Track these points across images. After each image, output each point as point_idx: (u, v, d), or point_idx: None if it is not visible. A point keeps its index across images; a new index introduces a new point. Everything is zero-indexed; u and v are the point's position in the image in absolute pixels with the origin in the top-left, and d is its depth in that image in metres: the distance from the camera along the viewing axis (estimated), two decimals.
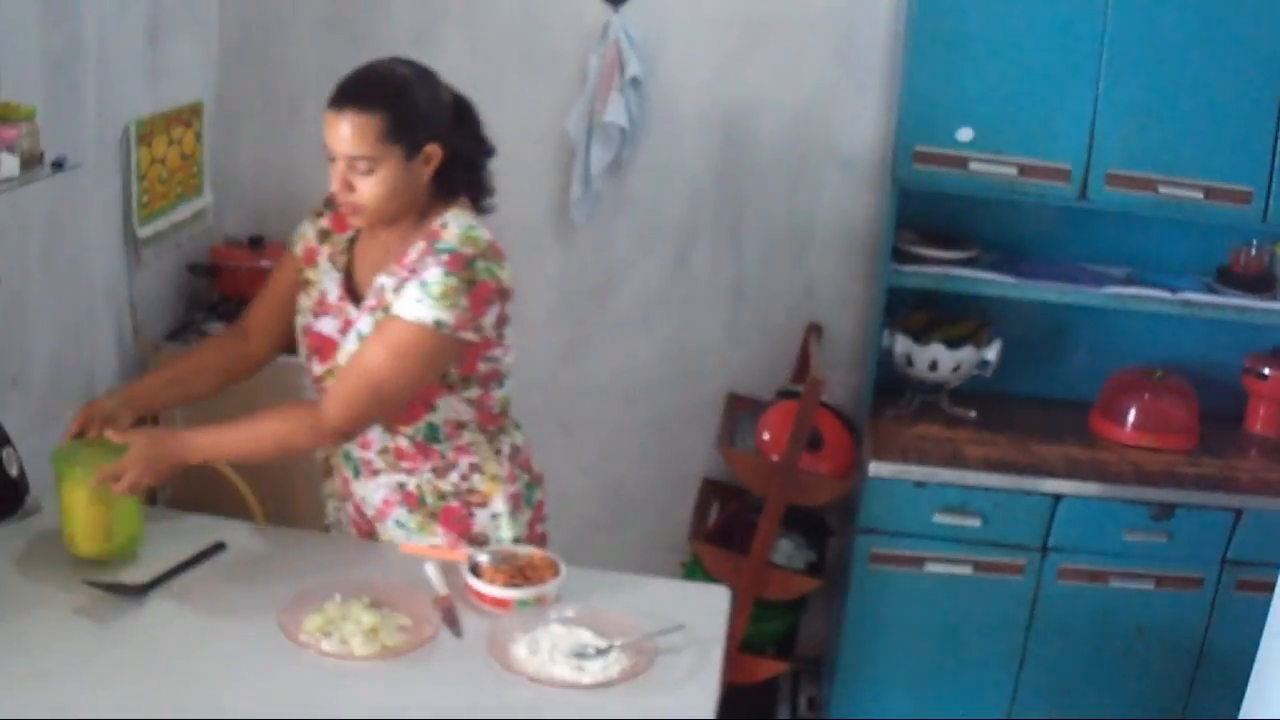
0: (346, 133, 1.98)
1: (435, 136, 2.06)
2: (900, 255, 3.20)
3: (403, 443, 2.16)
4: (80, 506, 1.99)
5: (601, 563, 2.19)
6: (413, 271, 2.05)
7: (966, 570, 3.04)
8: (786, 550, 3.30)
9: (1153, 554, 3.00)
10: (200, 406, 2.32)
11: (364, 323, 2.10)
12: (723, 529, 3.36)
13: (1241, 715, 2.00)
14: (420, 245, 2.08)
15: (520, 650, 1.87)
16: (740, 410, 3.43)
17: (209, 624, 1.90)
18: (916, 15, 3.03)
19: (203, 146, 3.29)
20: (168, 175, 3.10)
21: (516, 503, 2.26)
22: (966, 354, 3.22)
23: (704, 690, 1.85)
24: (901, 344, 3.23)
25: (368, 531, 2.27)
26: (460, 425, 2.17)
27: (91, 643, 1.82)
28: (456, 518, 2.21)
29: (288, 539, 2.21)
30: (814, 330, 3.46)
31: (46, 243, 2.60)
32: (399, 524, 2.22)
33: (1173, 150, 2.99)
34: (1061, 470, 3.03)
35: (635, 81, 3.27)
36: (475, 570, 2.03)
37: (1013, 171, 3.04)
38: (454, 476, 2.20)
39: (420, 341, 2.02)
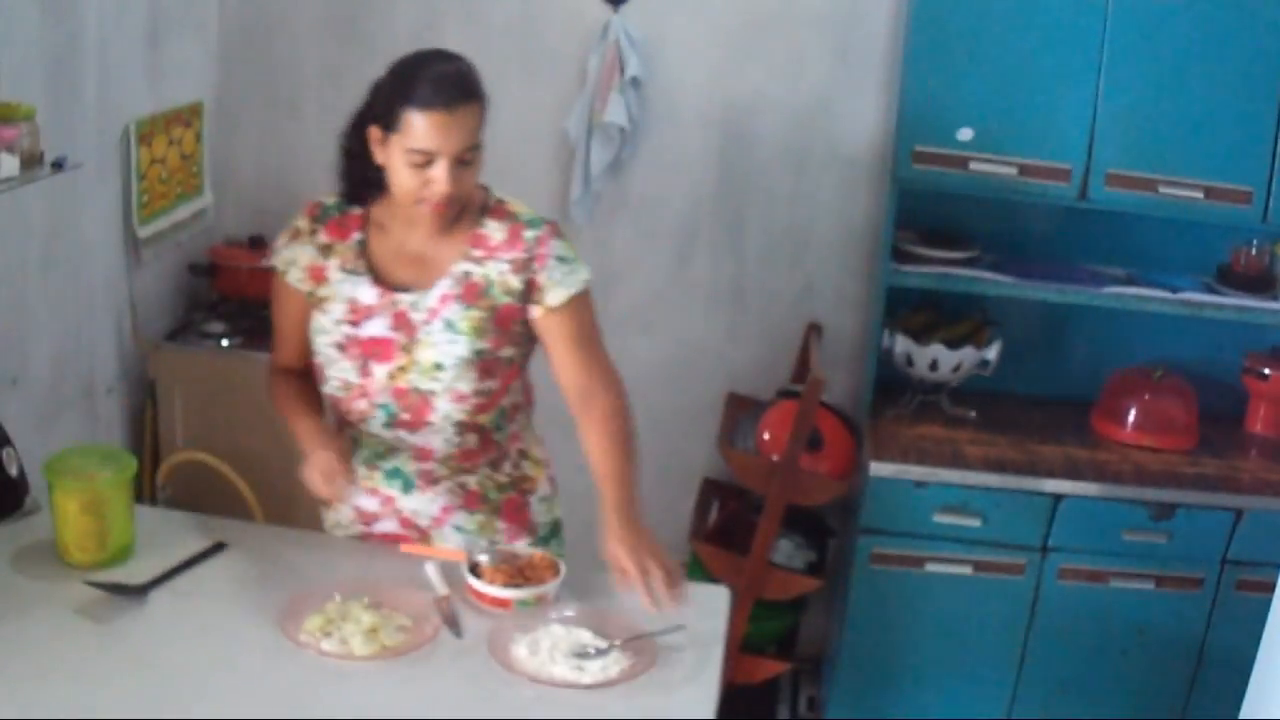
0: (464, 128, 1.97)
1: None
2: (900, 255, 3.20)
3: (470, 440, 2.13)
4: (72, 516, 1.98)
5: (601, 563, 2.19)
6: (529, 255, 2.06)
7: (967, 570, 3.04)
8: (786, 550, 3.30)
9: (1153, 554, 3.00)
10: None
11: (451, 310, 2.06)
12: (723, 529, 3.36)
13: (1241, 715, 2.00)
14: (492, 224, 2.08)
15: (520, 650, 1.87)
16: (740, 410, 3.43)
17: (209, 624, 1.89)
18: (916, 15, 3.03)
19: (203, 146, 3.29)
20: (168, 175, 3.10)
21: (553, 484, 2.31)
22: (966, 354, 3.22)
23: (704, 690, 1.85)
24: (901, 344, 3.23)
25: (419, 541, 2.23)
26: (516, 408, 2.20)
27: (91, 643, 1.81)
28: (516, 507, 2.23)
29: (288, 539, 2.20)
30: (814, 330, 3.46)
31: (46, 243, 2.60)
32: (458, 528, 2.20)
33: (1173, 150, 2.99)
34: (1061, 470, 3.03)
35: (635, 81, 3.27)
36: (475, 570, 2.03)
37: (1013, 171, 3.04)
38: (507, 467, 2.22)
39: (589, 300, 2.14)
